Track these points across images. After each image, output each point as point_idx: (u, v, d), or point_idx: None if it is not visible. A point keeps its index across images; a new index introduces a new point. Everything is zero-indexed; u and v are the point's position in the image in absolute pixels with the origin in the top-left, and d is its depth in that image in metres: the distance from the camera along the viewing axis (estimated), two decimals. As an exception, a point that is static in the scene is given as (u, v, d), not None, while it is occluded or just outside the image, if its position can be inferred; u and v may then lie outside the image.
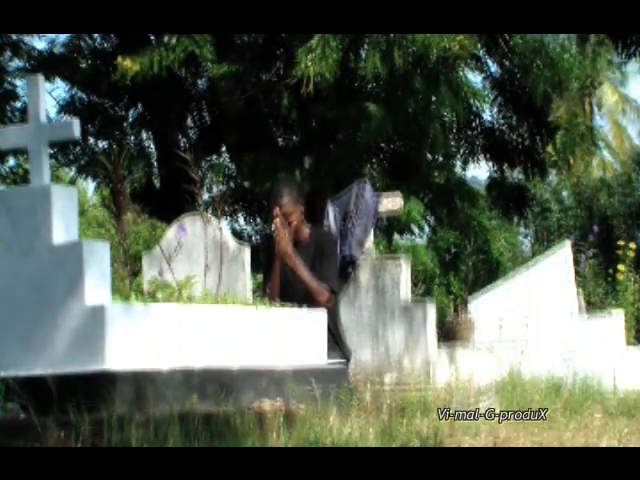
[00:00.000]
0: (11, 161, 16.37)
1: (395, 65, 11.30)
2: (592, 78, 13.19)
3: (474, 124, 14.78)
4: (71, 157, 15.25)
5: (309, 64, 10.87)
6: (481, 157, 15.06)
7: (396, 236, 16.77)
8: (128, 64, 11.25)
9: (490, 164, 15.24)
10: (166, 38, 11.47)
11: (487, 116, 14.92)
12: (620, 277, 12.06)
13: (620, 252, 12.35)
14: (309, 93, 10.91)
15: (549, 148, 14.17)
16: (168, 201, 14.18)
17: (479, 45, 12.55)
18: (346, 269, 7.73)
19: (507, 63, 13.41)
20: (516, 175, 16.79)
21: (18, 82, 15.34)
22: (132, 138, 15.79)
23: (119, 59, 11.37)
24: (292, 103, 12.30)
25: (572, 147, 13.45)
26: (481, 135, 14.84)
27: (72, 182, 15.85)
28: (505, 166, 15.30)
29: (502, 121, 14.78)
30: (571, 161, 13.98)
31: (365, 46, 11.71)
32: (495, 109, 14.67)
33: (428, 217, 15.31)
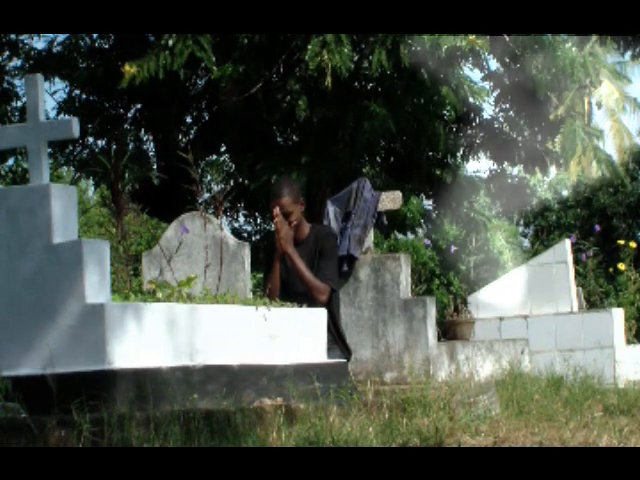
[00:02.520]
0: (10, 160, 16.39)
1: (401, 63, 11.29)
2: (592, 76, 13.19)
3: (474, 123, 14.77)
4: (70, 157, 15.26)
5: (325, 56, 10.87)
6: (481, 154, 15.05)
7: (396, 234, 16.75)
8: (134, 71, 11.25)
9: (490, 161, 15.25)
10: (170, 41, 11.46)
11: (487, 114, 14.93)
12: (620, 276, 12.06)
13: (620, 251, 12.34)
14: (326, 86, 10.93)
15: (549, 145, 14.17)
16: (168, 200, 14.18)
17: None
18: (344, 267, 7.71)
19: (507, 60, 13.40)
20: (516, 173, 16.80)
21: (17, 81, 15.36)
22: (131, 137, 15.80)
23: (126, 67, 11.36)
24: (303, 99, 12.26)
25: (572, 145, 13.45)
26: (481, 132, 14.83)
27: (74, 182, 15.85)
28: (505, 164, 15.29)
29: (502, 119, 14.77)
30: (570, 159, 13.98)
31: (370, 44, 11.69)
32: (494, 105, 14.67)
33: (429, 215, 15.30)
